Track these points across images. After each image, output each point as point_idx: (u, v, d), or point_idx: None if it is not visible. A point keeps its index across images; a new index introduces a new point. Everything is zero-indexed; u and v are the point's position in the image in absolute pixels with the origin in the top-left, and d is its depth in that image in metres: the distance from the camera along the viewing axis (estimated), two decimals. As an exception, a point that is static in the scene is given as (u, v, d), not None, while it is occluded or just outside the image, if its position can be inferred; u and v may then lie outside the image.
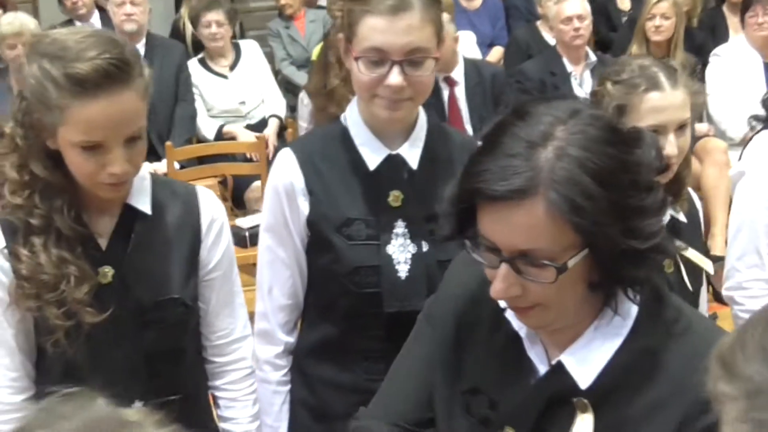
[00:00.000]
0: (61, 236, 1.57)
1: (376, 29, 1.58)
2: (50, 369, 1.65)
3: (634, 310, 1.15)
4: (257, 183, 4.23)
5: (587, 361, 1.14)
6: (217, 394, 1.82)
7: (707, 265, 1.95)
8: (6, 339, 1.64)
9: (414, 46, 1.59)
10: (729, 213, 4.27)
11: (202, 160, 4.34)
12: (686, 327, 1.15)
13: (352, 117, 1.73)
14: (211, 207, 1.74)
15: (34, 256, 1.56)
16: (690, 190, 2.02)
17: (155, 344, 1.66)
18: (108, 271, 1.62)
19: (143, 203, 1.66)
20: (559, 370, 1.16)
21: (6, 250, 1.59)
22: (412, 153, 1.72)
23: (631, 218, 1.08)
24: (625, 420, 1.12)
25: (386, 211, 1.70)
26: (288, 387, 1.86)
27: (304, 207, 1.73)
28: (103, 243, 1.64)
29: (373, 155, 1.70)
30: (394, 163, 1.71)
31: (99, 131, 1.49)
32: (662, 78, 1.86)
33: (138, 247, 1.64)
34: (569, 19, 4.44)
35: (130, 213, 1.65)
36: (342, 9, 1.65)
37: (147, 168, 1.71)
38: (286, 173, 1.73)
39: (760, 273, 2.04)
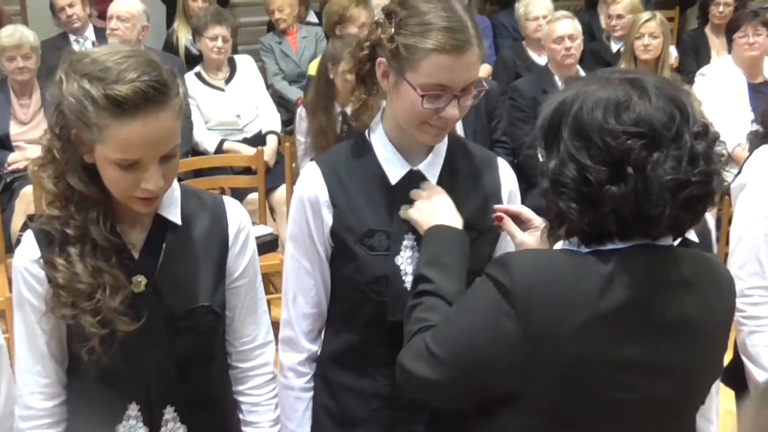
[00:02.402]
0: (97, 246, 1.61)
1: (443, 68, 1.61)
2: (85, 375, 1.68)
3: None
4: (254, 195, 4.27)
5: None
6: (240, 399, 1.86)
7: None
8: (39, 346, 1.68)
9: (472, 80, 1.65)
10: (715, 229, 4.40)
11: (199, 173, 4.37)
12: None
13: (376, 133, 1.78)
14: (238, 216, 1.78)
15: (70, 265, 1.59)
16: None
17: (186, 351, 1.70)
18: (141, 280, 1.65)
19: (173, 214, 1.70)
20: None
21: (42, 260, 1.63)
22: (432, 168, 1.77)
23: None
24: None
25: (398, 224, 1.74)
26: (311, 393, 1.89)
27: (328, 219, 1.77)
28: (135, 253, 1.67)
29: (395, 170, 1.75)
30: (414, 178, 1.75)
31: (136, 150, 1.53)
32: None
33: (169, 257, 1.69)
34: (561, 39, 4.51)
35: (161, 223, 1.69)
36: (391, 38, 1.66)
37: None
38: (311, 186, 1.78)
39: (760, 281, 2.10)
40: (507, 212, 1.74)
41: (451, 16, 1.63)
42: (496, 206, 1.76)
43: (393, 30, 1.66)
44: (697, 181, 1.33)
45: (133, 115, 1.50)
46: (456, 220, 1.68)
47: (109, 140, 1.52)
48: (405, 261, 1.74)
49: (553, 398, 1.38)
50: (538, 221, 1.70)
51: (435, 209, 1.68)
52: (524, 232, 1.72)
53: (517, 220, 1.74)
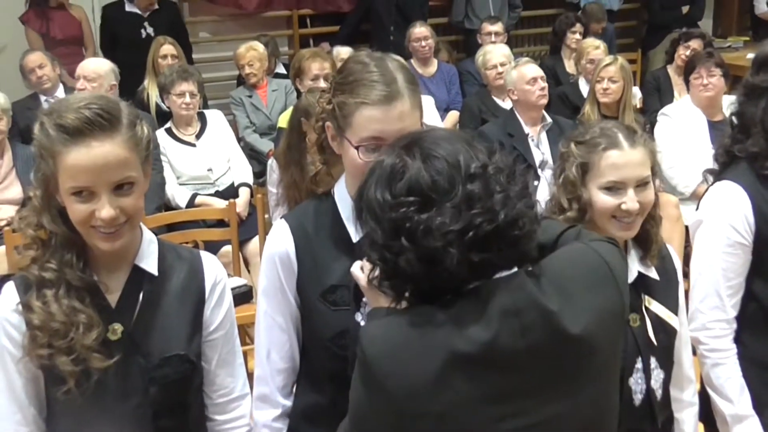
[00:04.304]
0: (71, 287, 1.66)
1: (372, 119, 1.66)
2: (60, 422, 1.72)
3: None
4: (227, 248, 4.28)
5: None
6: None
7: (673, 321, 2.04)
8: (18, 394, 1.71)
9: (407, 131, 1.66)
10: (682, 264, 4.46)
11: (172, 227, 4.38)
12: None
13: (339, 192, 1.82)
14: (214, 270, 1.84)
15: (46, 306, 1.65)
16: (670, 247, 2.13)
17: (161, 399, 1.73)
18: (117, 328, 1.70)
19: (150, 265, 1.76)
20: None
21: (20, 305, 1.68)
22: None
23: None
24: None
25: None
26: None
27: (296, 274, 1.81)
28: (113, 301, 1.72)
29: (357, 228, 1.76)
30: None
31: (84, 176, 1.59)
32: (621, 137, 1.99)
33: (146, 306, 1.74)
34: (534, 80, 4.56)
35: (138, 274, 1.75)
36: (331, 102, 1.74)
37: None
38: (280, 242, 1.82)
39: (721, 314, 2.15)
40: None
41: (380, 71, 1.69)
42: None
43: (331, 93, 1.74)
44: (480, 222, 1.34)
45: (78, 141, 1.58)
46: None
47: (61, 169, 1.59)
48: (365, 317, 1.75)
49: None
50: None
51: (374, 293, 1.61)
52: None
53: None
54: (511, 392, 1.37)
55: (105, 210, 1.60)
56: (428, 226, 1.34)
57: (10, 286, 1.71)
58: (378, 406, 1.38)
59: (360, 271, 1.57)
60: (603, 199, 1.99)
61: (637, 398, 1.98)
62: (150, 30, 6.33)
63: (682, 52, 6.07)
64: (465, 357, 1.34)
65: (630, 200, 1.96)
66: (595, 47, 5.84)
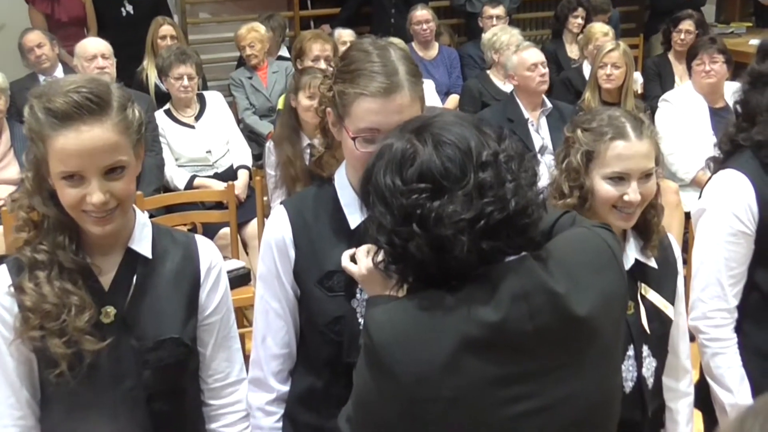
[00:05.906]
0: (63, 269, 1.66)
1: (370, 111, 1.64)
2: (53, 406, 1.71)
3: None
4: (225, 230, 4.27)
5: None
6: None
7: (668, 310, 2.03)
8: (12, 378, 1.70)
9: None
10: (680, 250, 4.47)
11: (170, 209, 4.37)
12: None
13: (339, 179, 1.81)
14: (209, 254, 1.82)
15: (38, 288, 1.64)
16: (671, 237, 2.12)
17: (155, 383, 1.73)
18: (110, 311, 1.70)
19: (144, 248, 1.74)
20: None
21: (12, 287, 1.67)
22: None
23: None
24: None
25: None
26: None
27: (293, 260, 1.80)
28: (106, 284, 1.71)
29: (355, 215, 1.77)
30: None
31: (73, 161, 1.57)
32: (629, 128, 1.97)
33: (140, 289, 1.73)
34: (534, 66, 4.54)
35: (132, 256, 1.73)
36: (332, 89, 1.72)
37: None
38: (278, 228, 1.81)
39: (722, 303, 2.14)
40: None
41: (381, 61, 1.67)
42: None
43: (332, 80, 1.72)
44: (491, 210, 1.34)
45: (67, 125, 1.56)
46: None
47: (51, 153, 1.58)
48: (360, 303, 1.75)
49: (450, 430, 1.37)
50: None
51: (370, 281, 1.62)
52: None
53: None
54: (521, 375, 1.37)
55: (95, 195, 1.58)
56: (440, 213, 1.33)
57: (2, 269, 1.70)
58: (387, 392, 1.38)
59: (351, 262, 1.55)
60: (606, 189, 1.98)
61: (628, 386, 1.98)
62: (129, 8, 6.24)
63: (677, 37, 6.06)
64: (475, 340, 1.34)
65: (633, 191, 1.95)
66: (604, 33, 5.78)
